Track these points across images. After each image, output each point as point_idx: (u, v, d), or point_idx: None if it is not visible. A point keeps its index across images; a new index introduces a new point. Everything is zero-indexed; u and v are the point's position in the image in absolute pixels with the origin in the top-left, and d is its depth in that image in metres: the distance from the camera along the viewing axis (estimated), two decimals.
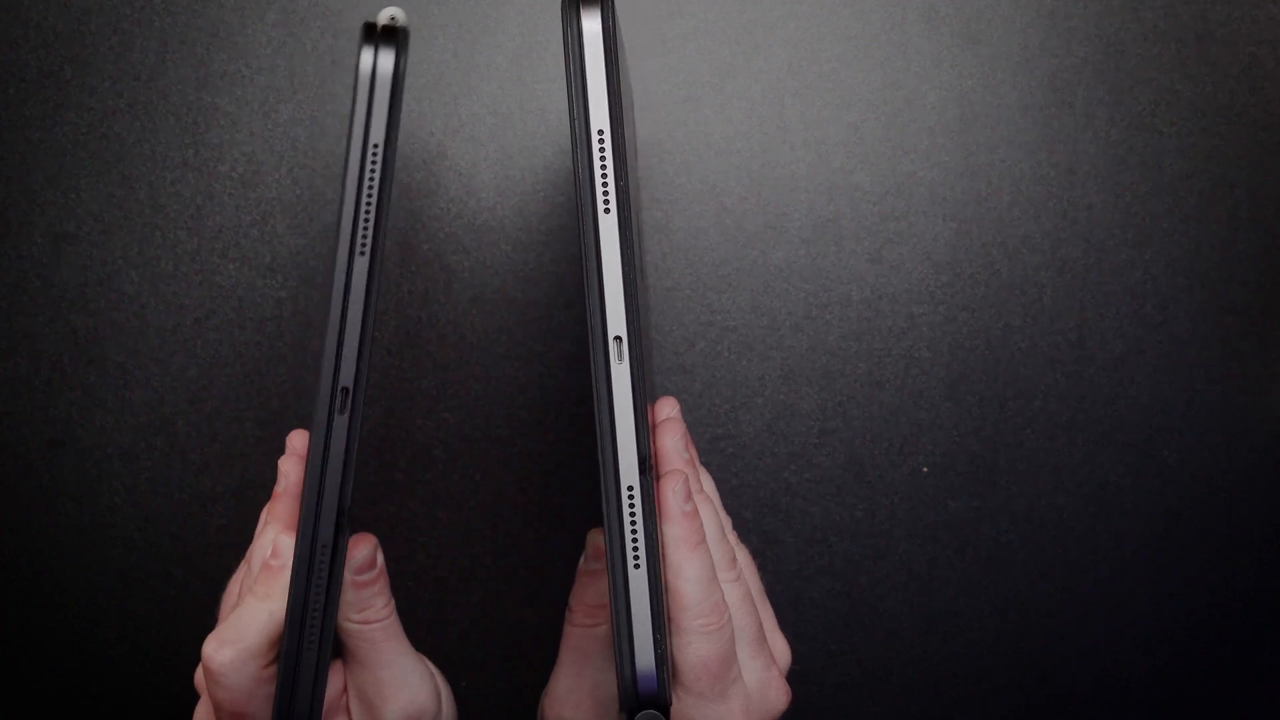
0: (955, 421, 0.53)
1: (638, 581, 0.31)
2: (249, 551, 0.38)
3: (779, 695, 0.36)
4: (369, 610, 0.36)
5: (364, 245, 0.32)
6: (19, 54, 0.52)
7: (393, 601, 0.37)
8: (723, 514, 0.39)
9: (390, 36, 0.32)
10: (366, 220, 0.32)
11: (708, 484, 0.39)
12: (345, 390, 0.32)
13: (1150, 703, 0.55)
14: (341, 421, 0.32)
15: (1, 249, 0.52)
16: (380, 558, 0.36)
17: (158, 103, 0.52)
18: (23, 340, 0.52)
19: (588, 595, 0.38)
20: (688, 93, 0.52)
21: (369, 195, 0.32)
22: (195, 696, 0.56)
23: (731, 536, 0.38)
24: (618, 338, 0.31)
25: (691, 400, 0.53)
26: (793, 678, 0.55)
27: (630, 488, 0.31)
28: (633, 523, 0.31)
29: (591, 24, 0.31)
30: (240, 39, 0.52)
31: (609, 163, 0.31)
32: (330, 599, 0.33)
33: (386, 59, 0.32)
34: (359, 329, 0.32)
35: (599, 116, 0.31)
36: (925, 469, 0.54)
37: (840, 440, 0.53)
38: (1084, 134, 0.53)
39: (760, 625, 0.36)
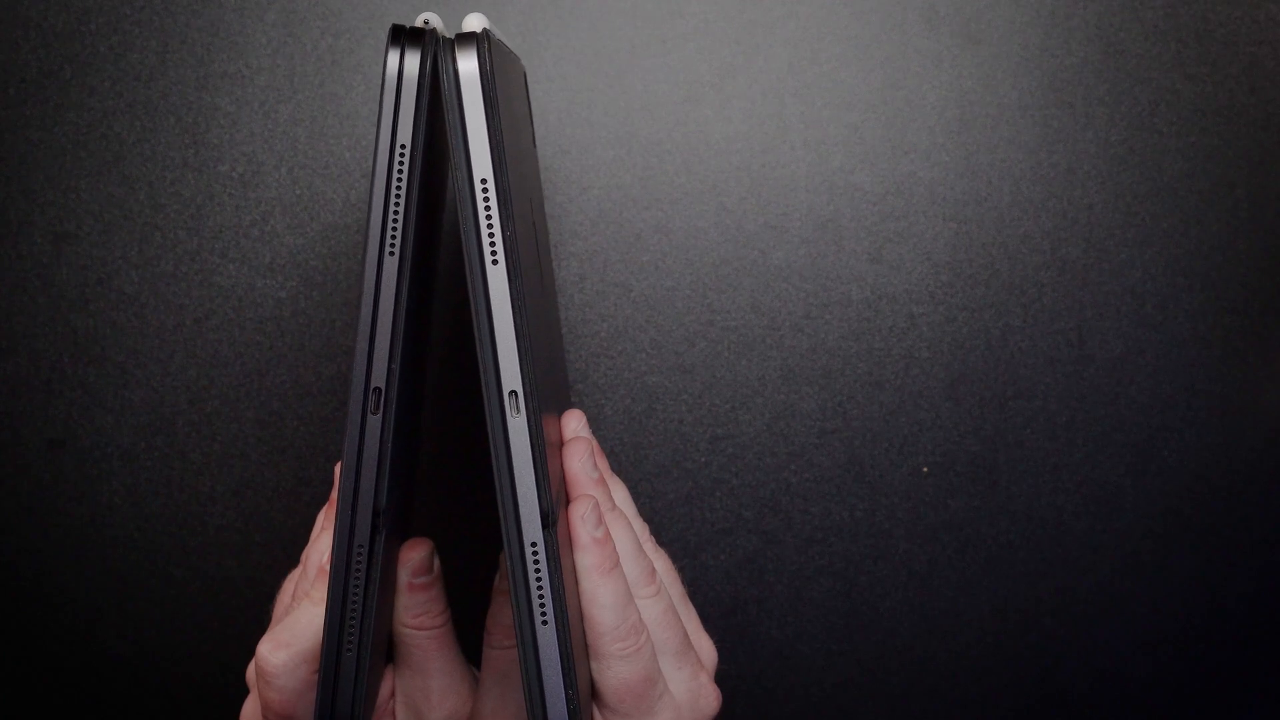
0: (955, 421, 0.53)
1: (546, 638, 0.31)
2: (304, 554, 0.38)
3: (709, 700, 0.36)
4: (424, 616, 0.35)
5: (393, 245, 0.31)
6: (19, 54, 0.52)
7: (449, 609, 0.36)
8: (639, 523, 0.38)
9: (416, 38, 0.31)
10: (395, 220, 0.31)
11: (620, 495, 0.38)
12: (378, 391, 0.32)
13: (1150, 703, 0.55)
14: (374, 422, 0.32)
15: (1, 249, 0.52)
16: (437, 563, 0.36)
17: (158, 103, 0.52)
18: (23, 340, 0.52)
19: (504, 616, 0.37)
20: (688, 93, 0.52)
21: (397, 195, 0.31)
22: (192, 695, 0.56)
23: (649, 546, 0.38)
24: (513, 393, 0.31)
25: (691, 400, 0.53)
26: (793, 677, 0.55)
27: (534, 544, 0.31)
28: (539, 579, 0.31)
29: (468, 64, 0.30)
30: (240, 39, 0.52)
31: (494, 212, 0.30)
32: (368, 601, 0.32)
33: (412, 60, 0.31)
34: (389, 329, 0.32)
35: (481, 165, 0.30)
36: (925, 469, 0.54)
37: (840, 440, 0.53)
38: (1084, 134, 0.53)
39: (684, 635, 0.36)
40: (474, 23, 0.32)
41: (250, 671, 0.38)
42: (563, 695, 0.31)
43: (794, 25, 0.53)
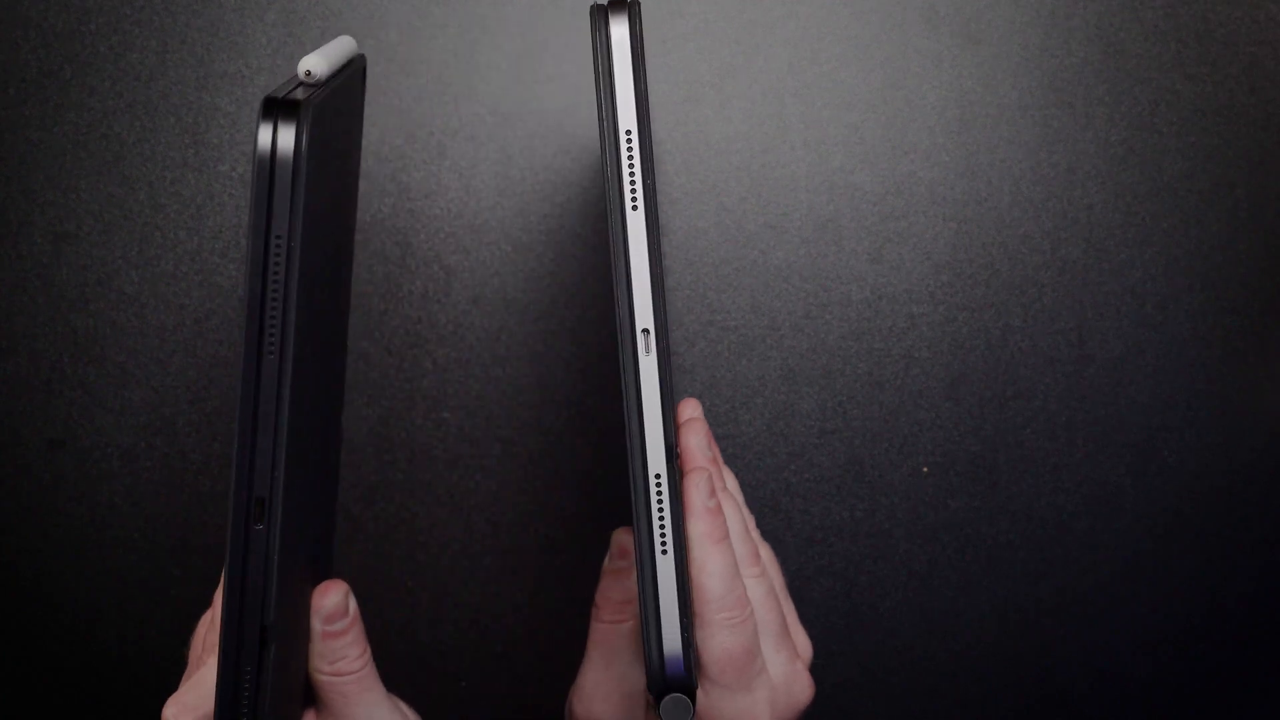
0: (955, 421, 0.53)
1: (665, 567, 0.32)
2: (216, 594, 0.37)
3: (804, 689, 0.36)
4: (341, 661, 0.34)
5: (272, 346, 0.29)
6: (19, 54, 0.52)
7: (368, 650, 0.35)
8: (745, 511, 0.39)
9: (291, 111, 0.28)
10: (274, 318, 0.28)
11: (731, 482, 0.40)
12: (261, 501, 0.30)
13: (1150, 703, 0.55)
14: (259, 534, 0.30)
15: (1, 249, 0.52)
16: (353, 604, 0.35)
17: (158, 103, 0.52)
18: (23, 340, 0.52)
19: (613, 592, 0.38)
20: (688, 93, 0.52)
21: (275, 289, 0.28)
22: None
23: (755, 534, 0.39)
24: (645, 330, 0.32)
25: None
26: None
27: (658, 476, 0.32)
28: (660, 510, 0.32)
29: (620, 29, 0.32)
30: (240, 39, 0.52)
31: (636, 162, 0.32)
32: (259, 712, 0.31)
33: (286, 136, 0.28)
34: (271, 434, 0.29)
35: (627, 118, 0.32)
36: (925, 469, 0.54)
37: (840, 440, 0.53)
38: (1084, 134, 0.53)
39: (784, 621, 0.36)
40: None
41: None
42: (678, 622, 0.32)
43: (794, 25, 0.53)
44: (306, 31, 0.52)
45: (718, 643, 0.33)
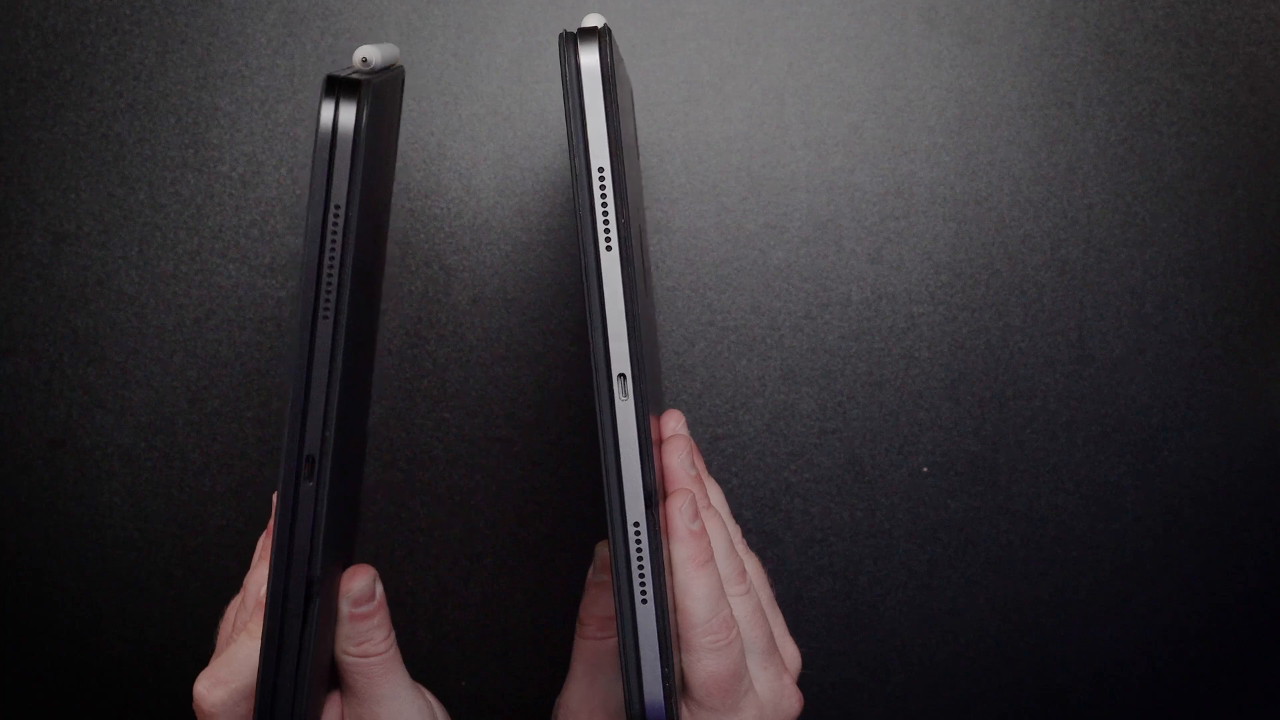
0: (955, 421, 0.53)
1: (645, 616, 0.31)
2: (246, 579, 0.38)
3: (791, 702, 0.36)
4: (367, 644, 0.35)
5: (327, 309, 0.31)
6: (19, 54, 0.52)
7: (393, 634, 0.36)
8: (732, 525, 0.39)
9: (352, 89, 0.30)
10: (330, 283, 0.30)
11: (716, 496, 0.39)
12: (311, 459, 0.31)
13: (1150, 703, 0.55)
14: (308, 489, 0.31)
15: (1, 249, 0.52)
16: (379, 589, 0.36)
17: (158, 103, 0.52)
18: (23, 340, 0.52)
19: (597, 608, 0.38)
20: (688, 93, 0.52)
21: (331, 257, 0.30)
22: (192, 695, 0.56)
23: (741, 547, 0.38)
24: (621, 375, 0.31)
25: (691, 400, 0.53)
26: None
27: (636, 524, 0.31)
28: (639, 558, 0.31)
29: (590, 59, 0.31)
30: (240, 39, 0.52)
31: (610, 200, 0.31)
32: (302, 668, 0.32)
33: (347, 113, 0.30)
34: (324, 396, 0.31)
35: (599, 154, 0.31)
36: (925, 469, 0.54)
37: (840, 440, 0.53)
38: (1084, 134, 0.53)
39: (771, 636, 0.36)
40: (594, 20, 0.33)
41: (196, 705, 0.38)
42: (659, 672, 0.31)
43: (794, 25, 0.53)
44: (306, 31, 0.52)
45: (703, 667, 0.33)
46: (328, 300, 0.31)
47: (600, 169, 0.31)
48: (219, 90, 0.52)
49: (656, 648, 0.31)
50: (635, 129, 0.45)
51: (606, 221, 0.31)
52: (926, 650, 0.54)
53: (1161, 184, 0.54)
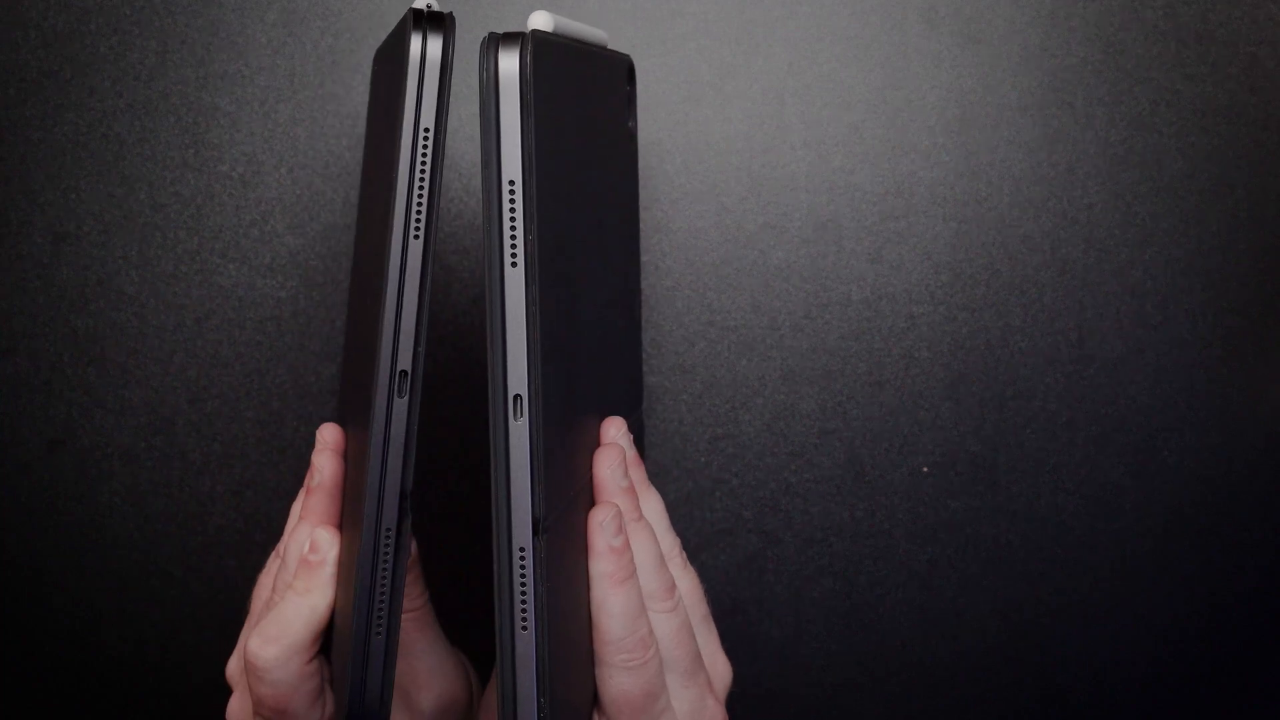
0: (955, 421, 0.53)
1: (524, 644, 0.30)
2: (280, 546, 0.38)
3: None
4: (404, 599, 0.36)
5: (418, 229, 0.32)
6: (19, 54, 0.52)
7: (427, 591, 0.37)
8: (670, 537, 0.38)
9: (438, 22, 0.32)
10: (420, 204, 0.32)
11: (653, 507, 0.38)
12: (404, 374, 0.32)
13: (1150, 703, 0.55)
14: (401, 405, 0.33)
15: (1, 249, 0.52)
16: (414, 546, 0.37)
17: (158, 103, 0.52)
18: (23, 340, 0.52)
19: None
20: (688, 93, 0.52)
21: (421, 177, 0.32)
22: (192, 695, 0.56)
23: (678, 561, 0.37)
24: (517, 396, 0.31)
25: (691, 400, 0.53)
26: (793, 677, 0.55)
27: (522, 550, 0.30)
28: (523, 585, 0.30)
29: (508, 64, 0.29)
30: (240, 39, 0.52)
31: (519, 215, 0.30)
32: (395, 584, 0.33)
33: (435, 44, 0.31)
34: (415, 312, 0.32)
35: (511, 167, 0.30)
36: (925, 469, 0.54)
37: (840, 440, 0.53)
38: (1084, 134, 0.53)
39: (696, 655, 0.35)
40: (538, 19, 0.32)
41: (232, 669, 0.38)
42: (534, 701, 0.30)
43: (794, 25, 0.53)
44: (306, 31, 0.52)
45: (615, 684, 0.33)
46: (418, 220, 0.32)
47: (511, 182, 0.30)
48: (219, 90, 0.52)
49: (534, 676, 0.30)
50: (635, 128, 0.45)
51: (514, 236, 0.30)
52: (926, 650, 0.54)
53: (1161, 184, 0.54)
